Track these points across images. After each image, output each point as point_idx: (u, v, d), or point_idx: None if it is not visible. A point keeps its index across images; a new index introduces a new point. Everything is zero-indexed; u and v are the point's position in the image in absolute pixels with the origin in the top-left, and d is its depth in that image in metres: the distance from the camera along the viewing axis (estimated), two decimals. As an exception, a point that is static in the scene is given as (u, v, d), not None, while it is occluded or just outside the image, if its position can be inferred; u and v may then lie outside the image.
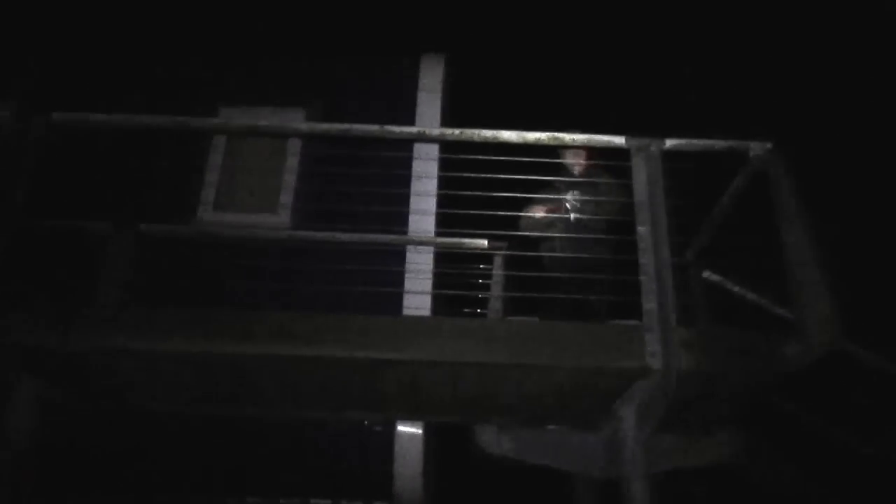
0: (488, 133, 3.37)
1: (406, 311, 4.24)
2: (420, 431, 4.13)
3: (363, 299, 3.90)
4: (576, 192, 4.51)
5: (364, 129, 3.30)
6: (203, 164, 5.04)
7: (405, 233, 4.68)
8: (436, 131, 3.50)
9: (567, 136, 3.40)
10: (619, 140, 3.42)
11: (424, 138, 3.51)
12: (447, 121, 5.29)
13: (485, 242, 4.38)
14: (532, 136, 3.35)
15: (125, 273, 4.24)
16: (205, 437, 4.17)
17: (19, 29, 5.89)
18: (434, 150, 4.74)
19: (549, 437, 3.68)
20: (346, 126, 3.37)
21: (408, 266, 4.54)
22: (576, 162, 4.58)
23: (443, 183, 4.68)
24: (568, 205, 4.50)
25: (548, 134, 3.39)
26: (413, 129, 3.52)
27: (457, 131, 3.34)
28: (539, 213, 4.50)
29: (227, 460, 4.30)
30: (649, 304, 3.07)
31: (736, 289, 4.23)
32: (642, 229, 3.18)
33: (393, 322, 3.73)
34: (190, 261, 4.33)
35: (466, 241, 4.38)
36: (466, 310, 4.24)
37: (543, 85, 5.64)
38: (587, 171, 4.61)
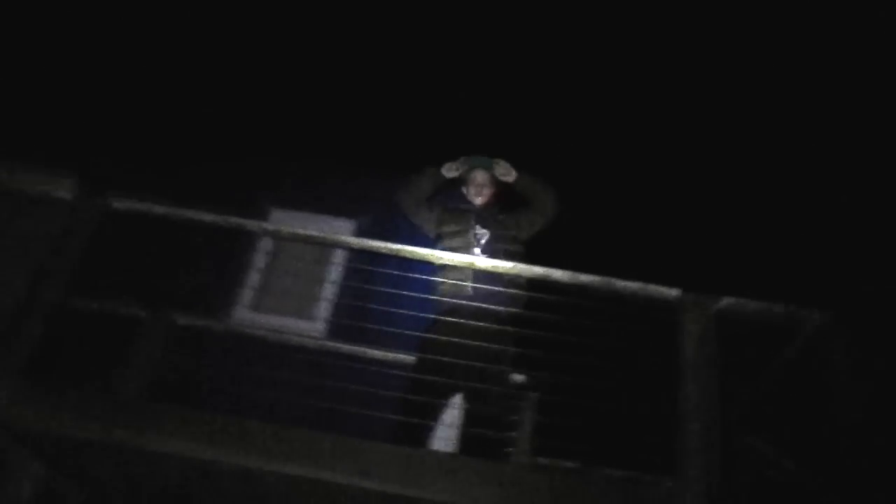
0: (539, 270, 3.32)
1: (433, 444, 4.06)
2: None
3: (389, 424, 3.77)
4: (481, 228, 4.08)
5: (414, 250, 3.27)
6: (247, 263, 5.07)
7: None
8: (489, 262, 3.44)
9: (620, 283, 3.32)
10: (672, 292, 3.33)
11: (474, 267, 3.47)
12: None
13: (522, 377, 4.25)
14: (584, 277, 3.29)
15: (151, 363, 4.20)
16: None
17: (86, 110, 6.15)
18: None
19: None
20: (397, 246, 3.37)
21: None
22: (476, 197, 4.23)
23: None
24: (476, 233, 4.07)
25: (601, 278, 3.32)
26: (466, 257, 3.48)
27: (509, 265, 3.29)
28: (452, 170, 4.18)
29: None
30: (693, 469, 2.88)
31: (782, 460, 3.99)
32: (690, 390, 3.03)
33: (415, 455, 3.57)
34: (219, 358, 4.26)
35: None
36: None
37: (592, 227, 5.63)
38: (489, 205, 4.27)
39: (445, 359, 3.55)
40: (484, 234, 4.08)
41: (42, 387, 3.07)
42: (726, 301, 3.25)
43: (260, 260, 5.07)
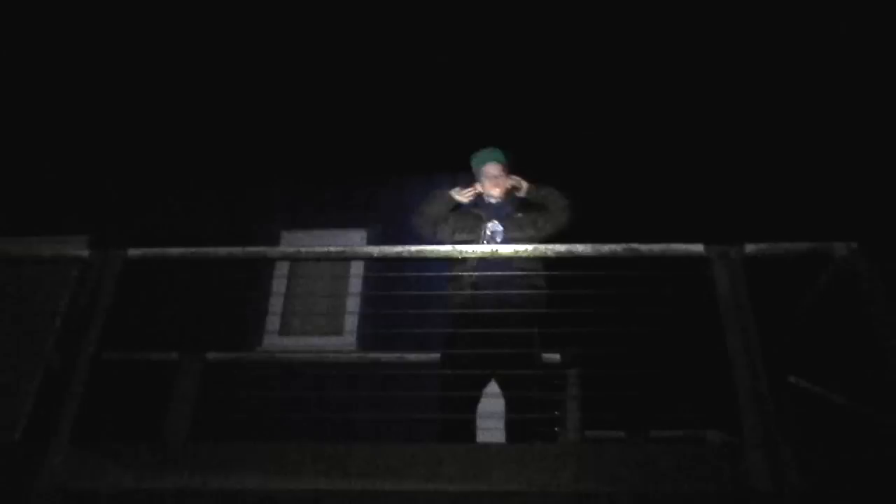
0: (562, 248, 3.32)
1: (480, 436, 4.06)
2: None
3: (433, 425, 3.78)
4: (496, 223, 4.05)
5: (437, 249, 3.27)
6: (267, 290, 5.08)
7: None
8: (508, 248, 3.43)
9: (644, 248, 3.31)
10: (696, 248, 3.33)
11: (496, 256, 3.46)
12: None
13: (556, 357, 4.25)
14: (606, 248, 3.28)
15: (191, 403, 4.22)
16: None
17: (91, 162, 6.14)
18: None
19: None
20: (418, 247, 3.37)
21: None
22: (493, 188, 4.17)
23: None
24: (489, 231, 4.03)
25: (623, 245, 3.31)
26: (486, 247, 3.48)
27: (530, 247, 3.29)
28: (463, 195, 4.09)
29: None
30: (750, 420, 2.87)
31: (831, 396, 3.99)
32: (733, 341, 3.03)
33: (471, 450, 3.58)
34: (256, 388, 4.26)
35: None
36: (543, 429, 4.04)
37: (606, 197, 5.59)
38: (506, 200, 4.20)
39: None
40: (498, 232, 4.04)
41: (93, 445, 3.09)
42: (751, 247, 3.25)
43: (280, 284, 5.07)
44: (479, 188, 4.18)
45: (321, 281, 5.10)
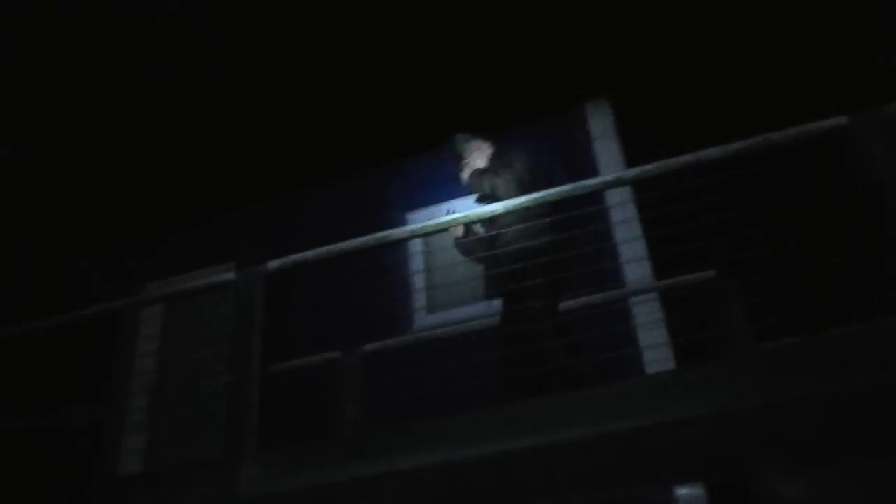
0: (689, 157, 3.12)
1: (649, 369, 3.95)
2: (702, 492, 3.74)
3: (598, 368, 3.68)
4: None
5: (559, 190, 3.17)
6: (406, 271, 5.15)
7: (623, 287, 4.42)
8: (632, 172, 3.26)
9: (778, 135, 3.05)
10: (834, 122, 3.02)
11: (623, 181, 3.30)
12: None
13: (712, 273, 4.03)
14: (735, 146, 3.05)
15: (360, 394, 4.35)
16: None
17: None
18: (626, 193, 4.49)
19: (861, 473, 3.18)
20: (543, 193, 3.28)
21: (636, 321, 4.26)
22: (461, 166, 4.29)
23: (646, 224, 4.43)
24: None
25: (754, 140, 3.07)
26: (609, 177, 3.33)
27: (650, 166, 3.12)
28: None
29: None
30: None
31: None
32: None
33: (637, 385, 3.48)
34: (417, 367, 4.33)
35: (690, 277, 4.03)
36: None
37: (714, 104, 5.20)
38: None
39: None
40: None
41: (279, 450, 3.25)
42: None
43: (417, 264, 5.14)
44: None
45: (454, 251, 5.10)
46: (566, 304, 4.23)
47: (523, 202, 3.35)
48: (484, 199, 4.14)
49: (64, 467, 4.66)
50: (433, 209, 5.42)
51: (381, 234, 3.51)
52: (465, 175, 4.28)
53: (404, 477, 3.19)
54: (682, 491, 3.71)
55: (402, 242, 4.52)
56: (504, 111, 4.57)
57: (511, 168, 3.99)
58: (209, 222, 6.42)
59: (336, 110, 5.65)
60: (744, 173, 3.36)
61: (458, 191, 5.14)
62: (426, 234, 3.61)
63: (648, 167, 3.16)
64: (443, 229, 3.48)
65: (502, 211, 3.38)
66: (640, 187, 4.22)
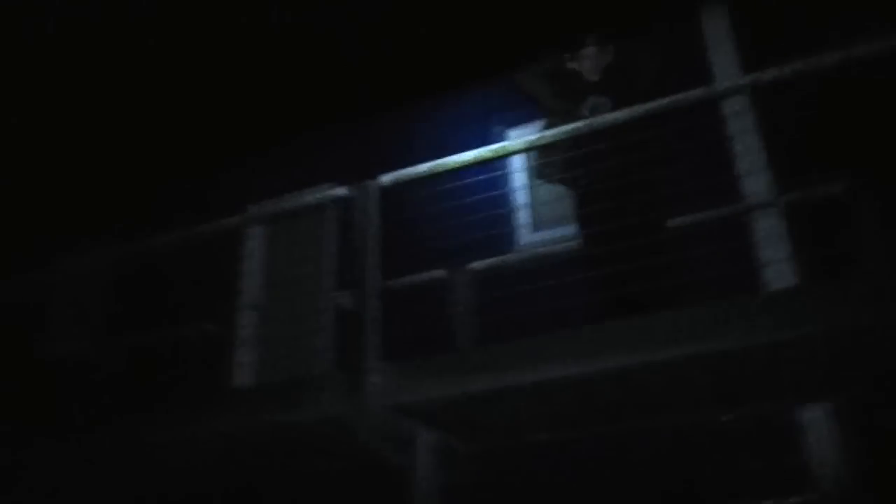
0: (806, 63, 2.88)
1: (771, 286, 3.79)
2: (829, 413, 3.61)
3: (713, 285, 3.56)
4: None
5: (691, 95, 3.00)
6: (510, 187, 5.07)
7: (739, 201, 4.21)
8: (769, 74, 3.04)
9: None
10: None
11: (760, 82, 3.09)
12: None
13: (840, 184, 3.78)
14: (859, 49, 2.80)
15: (470, 312, 4.36)
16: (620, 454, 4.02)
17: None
18: (745, 101, 4.23)
19: None
20: (660, 102, 3.12)
21: (757, 235, 4.08)
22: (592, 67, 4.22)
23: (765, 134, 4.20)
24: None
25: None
26: (744, 79, 3.12)
27: (767, 73, 2.91)
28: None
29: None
30: None
31: None
32: None
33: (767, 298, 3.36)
34: (524, 284, 4.29)
35: (817, 187, 3.80)
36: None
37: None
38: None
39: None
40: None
41: (400, 363, 3.31)
42: None
43: (520, 179, 5.05)
44: None
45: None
46: (676, 222, 4.09)
47: (634, 113, 3.21)
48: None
49: (182, 380, 4.87)
50: (533, 125, 5.26)
51: (493, 147, 3.44)
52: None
53: (516, 391, 3.21)
54: (808, 412, 3.60)
55: (519, 153, 4.41)
56: (617, 15, 4.33)
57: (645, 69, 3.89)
58: (308, 143, 6.46)
59: (440, 26, 5.51)
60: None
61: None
62: (541, 147, 3.48)
63: (765, 74, 2.95)
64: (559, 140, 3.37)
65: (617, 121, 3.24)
66: (761, 96, 3.98)
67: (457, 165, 3.47)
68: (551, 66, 4.40)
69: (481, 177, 4.23)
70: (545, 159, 4.12)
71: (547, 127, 4.02)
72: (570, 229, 4.73)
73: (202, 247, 4.64)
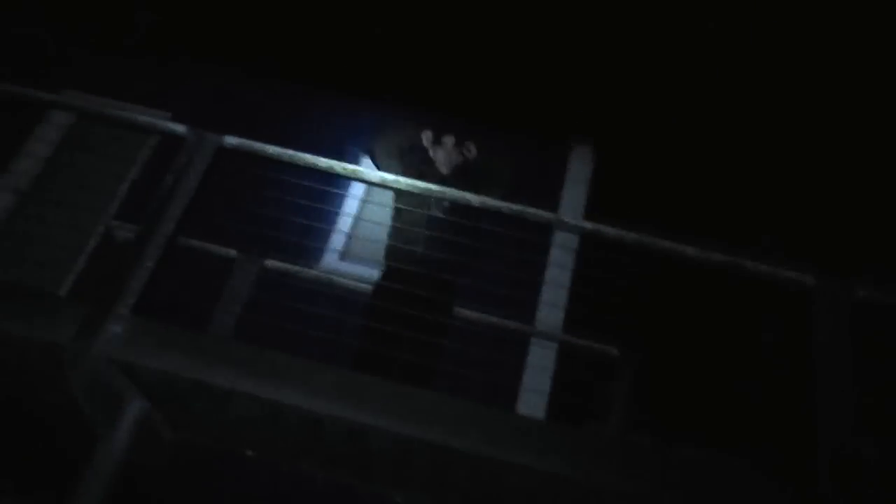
0: (665, 244, 3.15)
1: (520, 408, 3.98)
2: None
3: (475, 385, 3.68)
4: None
5: (536, 213, 3.13)
6: (338, 208, 4.98)
7: (530, 323, 4.44)
8: (608, 232, 3.26)
9: (749, 264, 3.14)
10: (800, 278, 3.13)
11: (599, 234, 3.29)
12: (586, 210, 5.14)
13: (615, 350, 4.11)
14: (717, 257, 3.11)
15: (241, 303, 4.16)
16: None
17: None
18: (574, 240, 4.53)
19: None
20: (506, 203, 3.24)
21: (529, 360, 4.29)
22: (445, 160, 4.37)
23: (577, 278, 4.48)
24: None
25: (728, 258, 3.14)
26: (587, 224, 3.31)
27: (611, 230, 3.15)
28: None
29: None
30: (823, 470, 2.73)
31: None
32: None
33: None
34: (306, 302, 4.19)
35: (597, 345, 4.10)
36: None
37: (698, 179, 5.33)
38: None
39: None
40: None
41: (149, 323, 3.03)
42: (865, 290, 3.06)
43: (351, 205, 4.97)
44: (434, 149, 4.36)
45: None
46: (465, 312, 4.23)
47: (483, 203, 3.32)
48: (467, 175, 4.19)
49: None
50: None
51: (350, 167, 3.36)
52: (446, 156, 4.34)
53: (251, 400, 3.06)
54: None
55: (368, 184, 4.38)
56: (498, 115, 4.52)
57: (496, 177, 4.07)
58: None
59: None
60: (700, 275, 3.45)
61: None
62: (391, 188, 3.45)
63: (609, 230, 3.17)
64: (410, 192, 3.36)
65: (473, 203, 3.31)
66: (588, 240, 4.27)
67: (303, 163, 3.32)
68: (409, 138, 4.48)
69: (319, 186, 4.14)
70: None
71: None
72: (371, 272, 4.72)
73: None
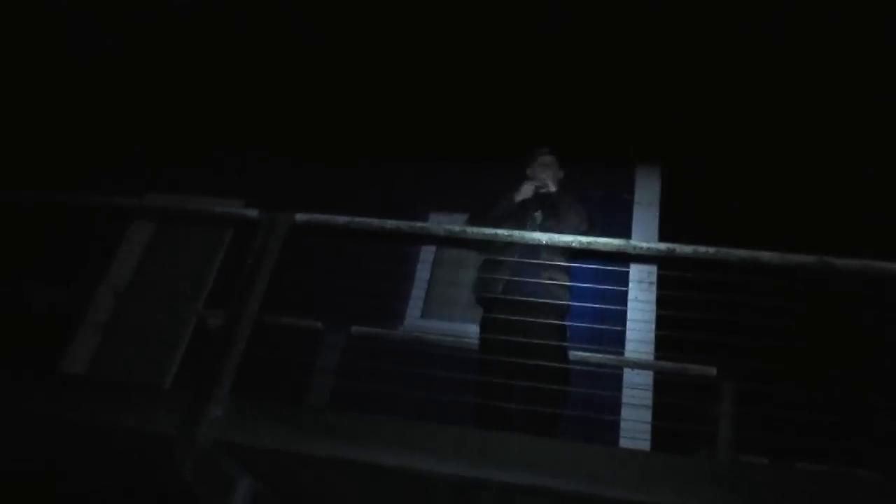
0: (745, 253, 3.07)
1: (623, 442, 3.88)
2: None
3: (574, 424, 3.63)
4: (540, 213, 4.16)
5: (608, 242, 3.10)
6: (413, 272, 5.07)
7: (621, 354, 4.36)
8: (688, 248, 3.19)
9: (839, 262, 3.02)
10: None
11: (674, 255, 3.24)
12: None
13: (713, 370, 3.98)
14: (798, 258, 3.01)
15: (332, 371, 4.25)
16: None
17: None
18: (652, 268, 4.46)
19: None
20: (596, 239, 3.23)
21: (625, 392, 4.21)
22: (547, 176, 4.20)
23: (663, 303, 4.39)
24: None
25: (815, 257, 3.03)
26: (661, 246, 3.26)
27: (712, 249, 3.07)
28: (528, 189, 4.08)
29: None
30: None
31: None
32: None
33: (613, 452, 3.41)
34: (395, 364, 4.24)
35: (691, 366, 3.99)
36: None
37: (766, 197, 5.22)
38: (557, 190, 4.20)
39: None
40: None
41: (247, 403, 3.13)
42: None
43: (425, 269, 5.06)
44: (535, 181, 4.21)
45: (463, 268, 5.02)
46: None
47: (576, 242, 3.28)
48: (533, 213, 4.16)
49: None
50: (454, 215, 5.34)
51: (417, 224, 3.44)
52: (546, 185, 4.20)
53: (358, 467, 3.10)
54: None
55: (436, 239, 4.44)
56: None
57: (579, 209, 4.02)
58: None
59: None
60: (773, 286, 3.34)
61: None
62: (459, 239, 3.49)
63: (704, 249, 3.10)
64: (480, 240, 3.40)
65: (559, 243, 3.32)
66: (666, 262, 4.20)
67: (373, 229, 3.41)
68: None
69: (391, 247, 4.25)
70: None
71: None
72: (456, 326, 4.76)
73: (83, 214, 4.39)
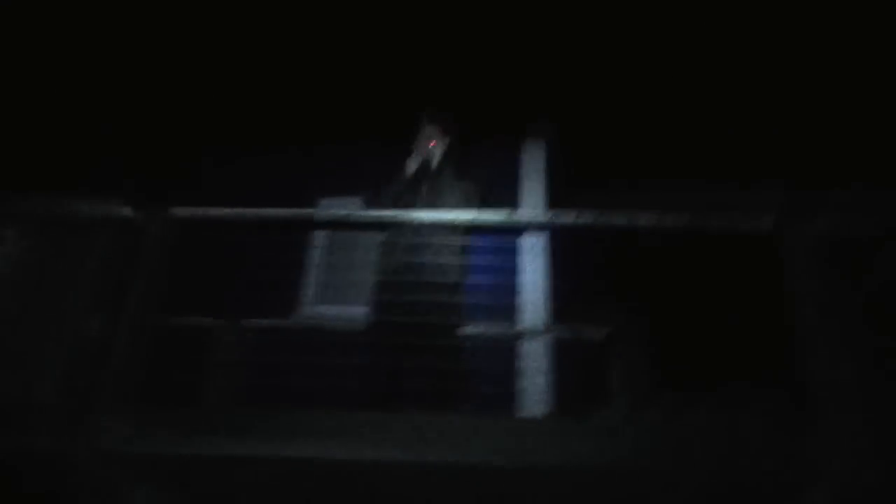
0: (622, 218, 3.17)
1: (524, 411, 3.97)
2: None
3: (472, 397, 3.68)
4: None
5: (490, 216, 3.14)
6: (304, 257, 4.97)
7: (513, 326, 4.44)
8: (569, 216, 3.26)
9: (710, 222, 3.16)
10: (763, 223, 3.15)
11: (558, 224, 3.30)
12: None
13: (602, 333, 4.12)
14: (671, 219, 3.13)
15: (227, 370, 4.13)
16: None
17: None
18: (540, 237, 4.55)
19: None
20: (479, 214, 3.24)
21: (521, 362, 4.29)
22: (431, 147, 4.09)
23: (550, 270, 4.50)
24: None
25: (687, 217, 3.16)
26: (542, 217, 3.32)
27: (591, 217, 3.15)
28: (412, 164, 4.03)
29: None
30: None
31: None
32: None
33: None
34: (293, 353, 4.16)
35: (585, 329, 4.11)
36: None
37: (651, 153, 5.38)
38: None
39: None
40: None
41: (136, 409, 3.00)
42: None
43: (316, 253, 4.97)
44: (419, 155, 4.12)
45: (356, 252, 4.97)
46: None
47: (460, 219, 3.30)
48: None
49: None
50: (344, 199, 5.26)
51: (299, 211, 3.36)
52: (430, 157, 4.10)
53: (261, 463, 3.04)
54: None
55: (313, 228, 4.35)
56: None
57: (467, 184, 4.00)
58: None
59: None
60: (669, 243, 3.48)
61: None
62: (353, 226, 3.45)
63: (585, 216, 3.18)
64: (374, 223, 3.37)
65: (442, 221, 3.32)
66: (556, 232, 4.30)
67: (257, 219, 3.32)
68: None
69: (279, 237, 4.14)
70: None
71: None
72: (353, 310, 4.70)
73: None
